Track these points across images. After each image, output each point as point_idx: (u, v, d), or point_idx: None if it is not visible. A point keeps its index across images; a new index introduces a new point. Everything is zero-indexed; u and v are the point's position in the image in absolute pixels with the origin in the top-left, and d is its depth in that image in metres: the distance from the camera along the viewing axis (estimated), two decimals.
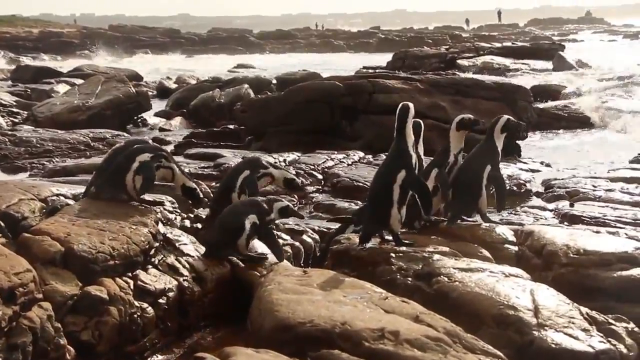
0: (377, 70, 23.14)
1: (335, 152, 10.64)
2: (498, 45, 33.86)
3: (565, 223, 7.08)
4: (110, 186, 5.28)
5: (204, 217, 5.90)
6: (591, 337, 3.90)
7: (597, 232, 6.02)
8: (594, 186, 8.63)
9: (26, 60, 41.97)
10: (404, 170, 4.96)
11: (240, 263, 5.02)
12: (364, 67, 28.50)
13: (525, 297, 4.19)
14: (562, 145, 14.29)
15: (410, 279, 4.55)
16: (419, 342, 3.53)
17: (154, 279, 4.49)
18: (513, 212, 7.52)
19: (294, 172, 8.24)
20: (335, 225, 6.37)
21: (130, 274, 4.40)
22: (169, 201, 5.82)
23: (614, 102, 18.38)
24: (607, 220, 7.02)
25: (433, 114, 11.87)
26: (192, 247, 5.04)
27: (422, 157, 6.04)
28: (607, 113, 16.78)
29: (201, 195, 5.86)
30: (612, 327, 4.05)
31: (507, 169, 9.19)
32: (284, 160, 9.80)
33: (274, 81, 23.08)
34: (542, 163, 11.33)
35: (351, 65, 33.56)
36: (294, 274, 4.51)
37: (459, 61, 28.32)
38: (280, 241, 5.71)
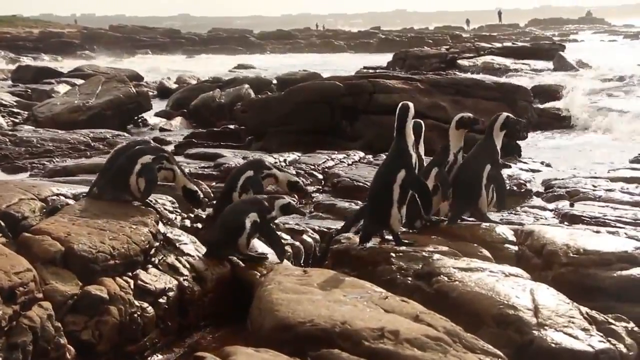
0: (377, 71, 23.15)
1: (336, 152, 10.64)
2: (498, 45, 33.82)
3: (566, 223, 7.08)
4: (112, 187, 5.29)
5: (204, 216, 5.91)
6: (591, 336, 3.90)
7: (597, 231, 6.02)
8: (594, 186, 8.64)
9: (27, 61, 42.00)
10: (404, 170, 4.97)
11: (241, 263, 5.03)
12: (365, 68, 28.50)
13: (525, 297, 4.19)
14: (562, 145, 14.30)
15: (410, 278, 4.55)
16: (419, 341, 3.53)
17: (154, 278, 4.49)
18: (513, 212, 7.52)
19: (294, 172, 8.25)
20: (336, 225, 6.37)
21: (130, 274, 4.40)
22: (170, 201, 5.82)
23: (606, 102, 18.40)
24: (607, 220, 7.02)
25: (433, 114, 11.88)
26: (192, 247, 5.04)
27: (423, 157, 6.04)
28: (595, 113, 16.77)
29: (202, 197, 5.86)
30: (612, 326, 4.05)
31: (507, 169, 9.19)
32: (284, 160, 9.81)
33: (275, 81, 23.09)
34: (542, 163, 11.34)
35: (351, 65, 33.55)
36: (294, 274, 4.51)
37: (459, 61, 28.30)
38: (284, 247, 5.71)
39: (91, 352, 3.96)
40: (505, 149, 6.11)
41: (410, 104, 5.14)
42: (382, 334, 3.55)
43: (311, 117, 12.66)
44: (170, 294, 4.49)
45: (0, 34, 56.89)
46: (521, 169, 10.12)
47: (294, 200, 7.12)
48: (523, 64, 28.27)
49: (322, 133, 12.57)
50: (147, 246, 4.66)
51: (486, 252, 5.06)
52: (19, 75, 27.47)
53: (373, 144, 11.47)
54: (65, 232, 4.38)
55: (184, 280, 4.65)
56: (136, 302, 4.24)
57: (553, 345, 3.80)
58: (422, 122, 6.22)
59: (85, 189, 5.51)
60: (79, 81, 21.92)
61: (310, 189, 8.63)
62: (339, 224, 6.52)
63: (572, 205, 7.84)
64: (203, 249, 5.07)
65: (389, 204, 4.95)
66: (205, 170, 9.34)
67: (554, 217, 7.43)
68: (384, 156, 7.52)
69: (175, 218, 5.62)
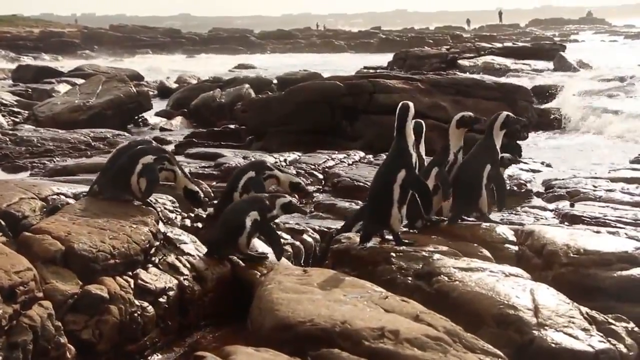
0: (377, 71, 23.15)
1: (336, 152, 10.65)
2: (499, 45, 33.84)
3: (566, 223, 7.09)
4: (113, 186, 5.29)
5: (204, 216, 5.91)
6: (591, 336, 3.90)
7: (598, 232, 6.01)
8: (594, 186, 8.64)
9: (27, 60, 42.06)
10: (404, 169, 4.96)
11: (241, 262, 5.03)
12: (365, 67, 28.53)
13: (525, 297, 4.19)
14: (563, 145, 14.30)
15: (410, 278, 4.55)
16: (419, 341, 3.53)
17: (154, 278, 4.49)
18: (513, 212, 7.53)
19: (294, 171, 8.26)
20: (337, 225, 6.37)
21: (130, 273, 4.40)
22: (170, 200, 5.83)
23: (602, 102, 18.37)
24: (607, 220, 7.02)
25: (434, 114, 11.88)
26: (192, 247, 5.04)
27: (424, 157, 6.04)
28: (587, 114, 16.75)
29: (203, 197, 5.87)
30: (612, 326, 4.05)
31: (507, 169, 9.20)
32: (285, 160, 9.82)
33: (275, 81, 23.10)
34: (542, 163, 11.34)
35: (352, 65, 33.57)
36: (294, 273, 4.51)
37: (459, 61, 28.31)
38: (283, 246, 5.72)
39: (91, 352, 3.96)
40: (506, 149, 6.10)
41: (410, 104, 5.14)
42: (382, 333, 3.55)
43: (311, 117, 12.66)
44: (171, 293, 4.49)
45: (1, 34, 56.95)
46: (521, 169, 10.12)
47: (295, 199, 7.12)
48: (523, 64, 28.29)
49: (322, 133, 12.58)
50: (148, 245, 4.66)
51: (486, 252, 5.06)
52: (19, 74, 27.52)
53: (373, 144, 11.47)
54: (65, 231, 4.38)
55: (184, 279, 4.65)
56: (136, 302, 4.24)
57: (553, 345, 3.80)
58: (422, 122, 6.22)
59: (85, 188, 5.51)
60: (80, 81, 21.94)
61: (311, 188, 8.64)
62: (339, 224, 6.53)
63: (572, 205, 7.84)
64: (203, 249, 5.07)
65: (389, 203, 4.94)
66: (206, 170, 9.35)
67: (554, 217, 7.43)
68: (384, 156, 7.52)
69: (176, 217, 5.62)
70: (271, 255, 5.09)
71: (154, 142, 6.61)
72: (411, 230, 5.55)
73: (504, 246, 5.27)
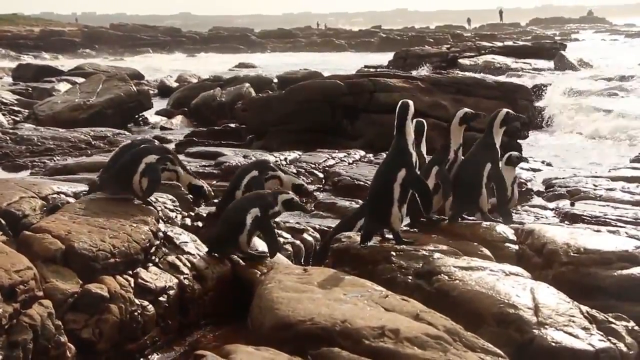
0: (378, 70, 23.14)
1: (336, 151, 10.66)
2: (499, 44, 33.79)
3: (566, 222, 7.09)
4: (115, 184, 5.29)
5: (204, 215, 5.92)
6: (591, 335, 3.89)
7: (598, 231, 6.02)
8: (594, 185, 8.64)
9: (27, 59, 42.13)
10: (404, 169, 4.95)
11: (241, 261, 5.03)
12: (365, 67, 28.48)
13: (526, 296, 4.19)
14: (563, 144, 14.30)
15: (410, 277, 4.55)
16: (419, 340, 3.53)
17: (154, 277, 4.49)
18: (514, 211, 7.52)
19: (294, 170, 8.25)
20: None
21: (130, 272, 4.40)
22: (170, 199, 5.83)
23: (594, 101, 18.35)
24: (607, 219, 7.03)
25: (434, 112, 11.88)
26: (192, 246, 5.04)
27: (425, 156, 6.04)
28: (573, 113, 16.74)
29: (208, 191, 5.88)
30: (612, 325, 4.04)
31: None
32: (285, 159, 9.82)
33: (275, 80, 23.10)
34: (543, 162, 11.34)
35: (352, 64, 33.54)
36: (295, 272, 4.51)
37: (460, 60, 28.28)
38: (281, 240, 5.72)
39: (91, 351, 3.97)
40: (506, 147, 6.09)
41: (410, 102, 5.12)
42: (383, 332, 3.55)
43: (312, 115, 12.67)
44: (171, 292, 4.49)
45: (1, 33, 56.96)
46: (522, 168, 10.11)
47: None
48: (524, 63, 28.26)
49: (322, 132, 12.58)
50: (148, 245, 4.66)
51: (486, 251, 5.05)
52: (19, 73, 27.54)
53: (374, 143, 11.48)
54: (65, 230, 4.38)
55: (184, 278, 4.65)
56: (136, 301, 4.24)
57: (553, 344, 3.79)
58: (424, 121, 6.22)
59: (85, 187, 5.52)
60: (80, 80, 21.95)
61: (311, 187, 8.65)
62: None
63: (572, 204, 7.84)
64: (203, 248, 5.07)
65: (389, 202, 4.94)
66: (206, 168, 9.36)
67: (555, 216, 7.44)
68: (384, 155, 7.52)
69: (176, 217, 5.62)
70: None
71: (156, 141, 6.63)
72: (411, 229, 5.55)
73: (504, 245, 5.27)
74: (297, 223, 6.71)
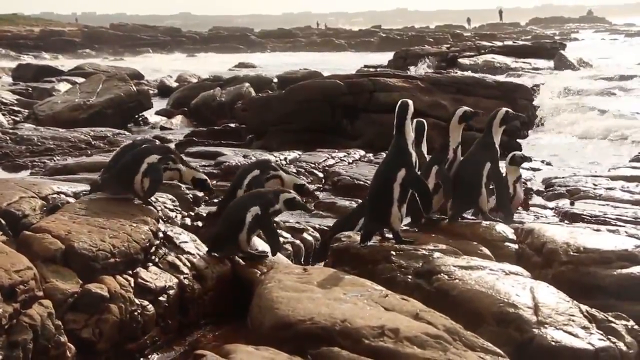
0: (378, 69, 23.14)
1: (336, 151, 10.66)
2: (499, 44, 33.77)
3: (566, 221, 7.09)
4: (117, 184, 5.29)
5: (204, 215, 5.92)
6: (591, 334, 3.89)
7: (598, 230, 6.02)
8: (594, 184, 8.65)
9: (27, 59, 42.11)
10: (404, 168, 4.95)
11: (241, 261, 5.03)
12: (365, 66, 28.48)
13: (525, 295, 4.19)
14: (563, 144, 14.30)
15: (410, 276, 4.55)
16: (419, 339, 3.53)
17: (154, 276, 4.49)
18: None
19: (294, 170, 8.25)
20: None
21: (130, 272, 4.40)
22: (170, 199, 5.83)
23: (588, 101, 18.32)
24: (607, 219, 7.03)
25: (434, 112, 11.88)
26: (192, 245, 5.04)
27: (426, 155, 6.03)
28: (565, 113, 16.71)
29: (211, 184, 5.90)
30: (612, 324, 4.04)
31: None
32: (285, 159, 9.82)
33: (275, 80, 23.10)
34: (542, 162, 11.34)
35: (352, 64, 33.52)
36: (294, 272, 4.51)
37: (460, 60, 28.28)
38: (281, 239, 5.72)
39: (91, 350, 3.97)
40: (506, 147, 6.09)
41: (410, 102, 5.11)
42: (382, 332, 3.55)
43: (312, 115, 12.68)
44: (171, 292, 4.49)
45: (1, 33, 56.95)
46: (522, 168, 10.10)
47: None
48: (524, 62, 28.26)
49: (322, 131, 12.59)
50: (148, 244, 4.66)
51: (486, 251, 5.05)
52: (19, 73, 27.55)
53: (373, 143, 11.49)
54: (65, 230, 4.38)
55: (184, 278, 4.65)
56: (136, 300, 4.24)
57: (553, 343, 3.79)
58: (424, 121, 6.21)
59: (85, 187, 5.52)
60: (80, 79, 21.95)
61: (311, 187, 8.65)
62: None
63: (572, 203, 7.85)
64: (203, 247, 5.07)
65: (389, 202, 4.93)
66: (206, 168, 9.35)
67: (555, 216, 7.44)
68: (384, 155, 7.52)
69: (176, 216, 5.62)
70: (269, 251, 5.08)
71: (157, 141, 6.63)
72: (411, 229, 5.55)
73: (504, 244, 5.27)
74: (297, 223, 6.71)
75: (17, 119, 16.23)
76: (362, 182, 8.57)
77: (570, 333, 3.87)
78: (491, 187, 5.67)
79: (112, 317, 4.05)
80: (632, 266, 4.73)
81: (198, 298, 4.67)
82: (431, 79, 13.81)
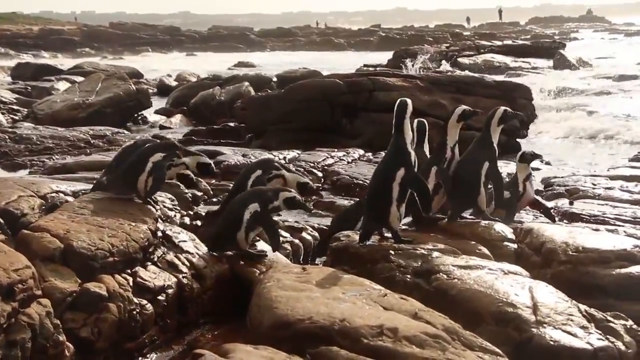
0: (377, 69, 23.14)
1: (335, 150, 10.66)
2: (499, 43, 33.82)
3: (565, 221, 7.08)
4: (122, 184, 5.28)
5: (203, 214, 5.91)
6: (590, 334, 3.89)
7: (597, 229, 6.01)
8: (593, 184, 8.64)
9: (26, 58, 42.09)
10: (403, 168, 4.94)
11: (240, 260, 5.02)
12: (365, 65, 28.48)
13: (524, 295, 4.19)
14: (563, 143, 14.29)
15: (409, 276, 4.55)
16: (417, 339, 3.53)
17: (153, 276, 4.49)
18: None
19: (293, 169, 8.23)
20: None
21: (129, 271, 4.40)
22: (169, 198, 5.82)
23: (583, 100, 18.28)
24: (606, 218, 7.03)
25: (433, 112, 11.86)
26: (191, 244, 5.04)
27: (428, 155, 6.02)
28: (555, 114, 16.70)
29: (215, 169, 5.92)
30: (611, 324, 4.04)
31: (507, 167, 9.20)
32: (284, 158, 9.82)
33: (275, 79, 23.09)
34: (542, 161, 11.33)
35: (352, 63, 33.50)
36: (293, 271, 4.50)
37: (459, 59, 28.30)
38: (280, 239, 5.71)
39: (90, 349, 3.96)
40: (505, 147, 6.09)
41: (408, 101, 5.10)
42: (381, 331, 3.55)
43: (311, 114, 12.67)
44: (170, 291, 4.49)
45: (0, 31, 56.92)
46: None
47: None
48: (523, 62, 28.29)
49: (321, 131, 12.58)
50: (146, 243, 4.66)
51: (485, 250, 5.05)
52: (18, 72, 27.53)
53: (373, 142, 11.48)
54: (64, 229, 4.37)
55: (183, 277, 4.65)
56: (135, 300, 4.23)
57: (552, 342, 3.80)
58: (425, 121, 6.20)
59: (84, 186, 5.51)
60: (79, 78, 21.93)
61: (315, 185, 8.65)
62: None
63: (571, 203, 7.84)
64: (202, 247, 5.07)
65: (388, 202, 4.93)
66: None
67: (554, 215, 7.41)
68: (383, 154, 7.52)
69: (175, 215, 5.62)
70: (270, 253, 5.08)
71: (157, 140, 6.62)
72: (410, 228, 5.54)
73: (502, 244, 5.26)
74: (296, 222, 6.70)
75: (16, 117, 16.22)
76: (361, 182, 8.57)
77: (569, 333, 3.88)
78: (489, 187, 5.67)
79: (111, 316, 4.05)
80: (631, 266, 4.73)
81: (197, 297, 4.67)
82: (431, 78, 13.81)
